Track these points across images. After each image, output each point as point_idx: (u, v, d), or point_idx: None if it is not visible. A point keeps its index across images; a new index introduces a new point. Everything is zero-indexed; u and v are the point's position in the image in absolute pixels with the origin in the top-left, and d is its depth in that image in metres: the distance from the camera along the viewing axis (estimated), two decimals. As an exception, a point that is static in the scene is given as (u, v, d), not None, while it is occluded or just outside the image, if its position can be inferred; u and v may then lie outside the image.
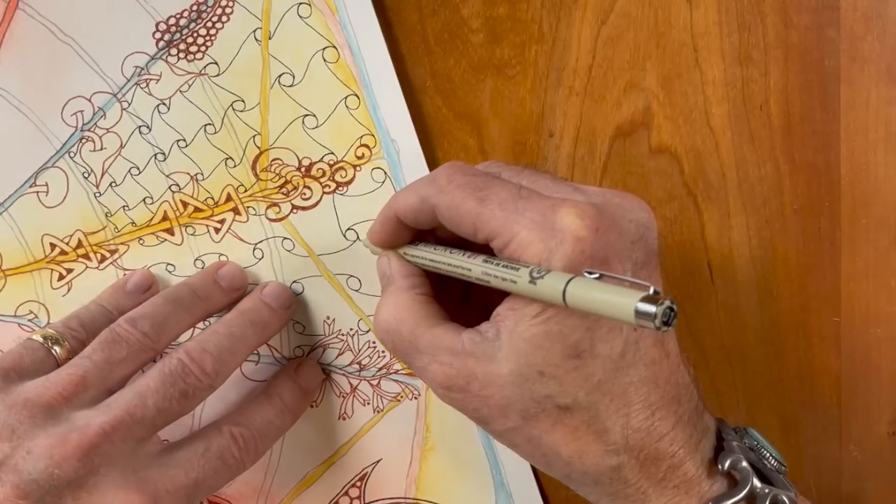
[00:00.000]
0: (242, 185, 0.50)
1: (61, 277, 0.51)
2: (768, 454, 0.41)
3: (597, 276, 0.34)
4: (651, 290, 0.31)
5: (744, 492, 0.39)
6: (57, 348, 0.45)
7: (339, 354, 0.50)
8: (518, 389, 0.37)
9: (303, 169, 0.50)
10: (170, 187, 0.50)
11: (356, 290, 0.50)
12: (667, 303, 0.31)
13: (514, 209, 0.37)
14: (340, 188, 0.49)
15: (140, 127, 0.50)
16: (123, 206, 0.51)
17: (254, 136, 0.50)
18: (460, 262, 0.39)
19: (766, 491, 0.39)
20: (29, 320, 0.52)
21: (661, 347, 0.38)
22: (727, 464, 0.39)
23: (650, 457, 0.38)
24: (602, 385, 0.37)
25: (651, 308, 0.31)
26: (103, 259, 0.51)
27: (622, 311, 0.31)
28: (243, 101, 0.50)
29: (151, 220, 0.51)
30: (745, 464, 0.39)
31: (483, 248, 0.39)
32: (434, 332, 0.39)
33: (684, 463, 0.39)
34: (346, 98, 0.49)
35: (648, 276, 0.38)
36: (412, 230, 0.43)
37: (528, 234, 0.36)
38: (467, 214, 0.38)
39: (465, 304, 0.45)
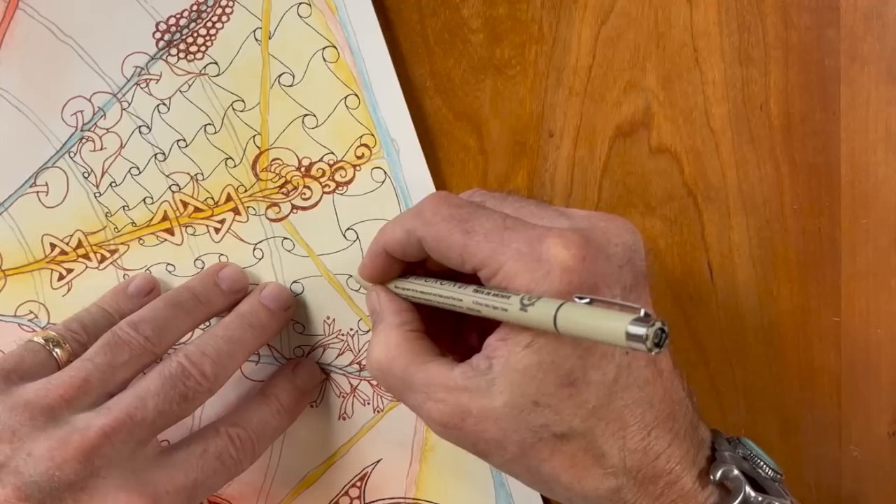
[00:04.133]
0: (242, 185, 0.50)
1: (61, 277, 0.51)
2: (762, 463, 0.41)
3: (587, 300, 0.34)
4: (642, 313, 0.31)
5: (737, 501, 0.39)
6: (58, 350, 0.45)
7: (340, 354, 0.50)
8: (514, 421, 0.37)
9: (303, 169, 0.50)
10: (170, 187, 0.50)
11: (356, 290, 0.50)
12: (658, 324, 0.31)
13: (499, 240, 0.37)
14: (340, 188, 0.49)
15: (140, 127, 0.50)
16: (123, 206, 0.51)
17: (254, 136, 0.50)
18: (451, 293, 0.39)
19: (760, 499, 0.39)
20: (29, 320, 0.52)
21: (653, 367, 0.38)
22: (718, 474, 0.39)
23: (648, 476, 0.38)
24: (597, 411, 0.37)
25: (642, 330, 0.30)
26: (103, 259, 0.51)
27: (613, 334, 0.31)
28: (243, 101, 0.50)
29: (151, 220, 0.51)
30: (736, 472, 0.39)
31: (473, 279, 0.39)
32: (427, 368, 0.39)
33: (681, 478, 0.39)
34: (346, 98, 0.49)
35: (637, 298, 0.38)
36: (402, 263, 0.43)
37: (514, 265, 0.36)
38: (454, 246, 0.38)
39: (458, 335, 0.45)
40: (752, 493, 0.39)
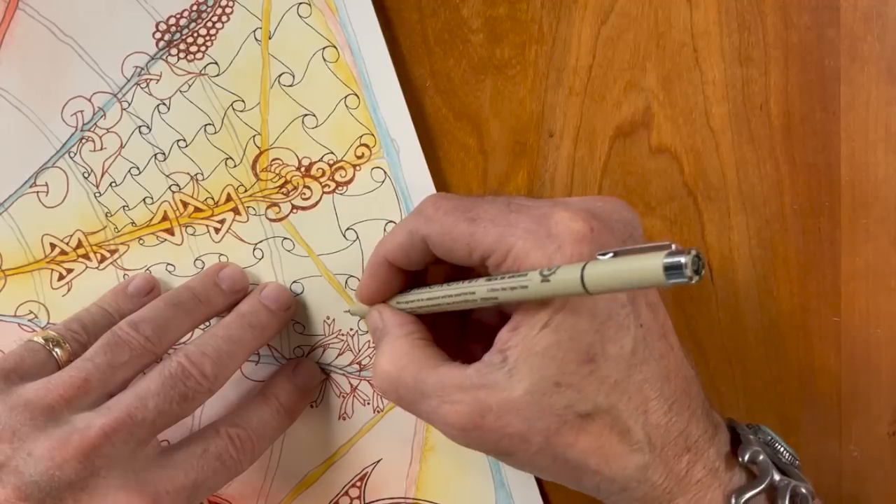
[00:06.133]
0: (242, 185, 0.50)
1: (61, 277, 0.51)
2: (782, 448, 0.41)
3: (610, 255, 0.34)
4: (673, 247, 0.31)
5: (764, 483, 0.39)
6: (58, 350, 0.45)
7: (340, 354, 0.50)
8: (536, 407, 0.36)
9: (303, 169, 0.50)
10: (170, 187, 0.50)
11: (356, 290, 0.50)
12: (693, 251, 0.30)
13: (506, 222, 0.37)
14: (340, 188, 0.49)
15: (140, 127, 0.50)
16: (123, 206, 0.51)
17: (254, 136, 0.50)
18: (461, 290, 0.39)
19: (786, 482, 0.39)
20: (29, 320, 0.52)
21: (665, 341, 0.39)
22: (747, 456, 0.40)
23: (671, 453, 0.38)
24: (619, 385, 0.37)
25: (680, 259, 0.30)
26: (103, 259, 0.51)
27: (651, 273, 0.30)
28: (243, 100, 0.50)
29: (151, 220, 0.51)
30: (763, 456, 0.39)
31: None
32: (439, 372, 0.38)
33: (703, 457, 0.39)
34: (345, 98, 0.49)
35: None
36: (402, 278, 0.43)
37: (524, 244, 0.36)
38: (460, 236, 0.38)
39: (460, 349, 0.45)
40: (778, 477, 0.39)
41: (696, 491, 0.39)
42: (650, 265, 0.30)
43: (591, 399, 0.37)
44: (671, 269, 0.30)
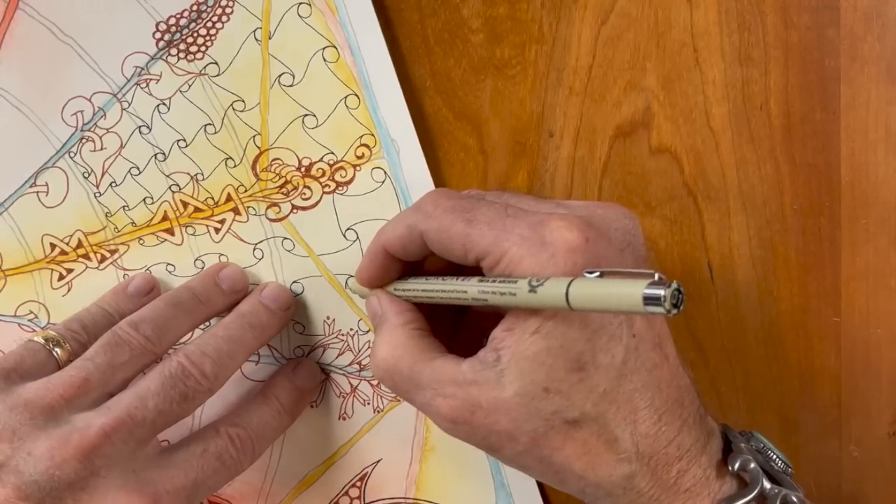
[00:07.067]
0: (242, 185, 0.50)
1: (61, 277, 0.51)
2: (774, 456, 0.41)
3: (598, 274, 0.34)
4: (656, 276, 0.31)
5: (754, 492, 0.39)
6: (58, 350, 0.45)
7: (340, 354, 0.50)
8: (525, 410, 0.37)
9: (303, 169, 0.50)
10: (170, 187, 0.50)
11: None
12: (674, 285, 0.30)
13: (502, 227, 0.37)
14: (340, 188, 0.49)
15: (140, 127, 0.50)
16: (123, 206, 0.51)
17: (254, 136, 0.50)
18: (454, 286, 0.39)
19: (776, 491, 0.39)
20: (29, 320, 0.52)
21: (660, 351, 0.39)
22: (737, 465, 0.40)
23: (660, 462, 0.38)
24: (608, 394, 0.37)
25: (660, 291, 0.30)
26: (103, 259, 0.51)
27: (630, 300, 0.31)
28: (243, 101, 0.50)
29: (151, 220, 0.51)
30: (754, 464, 0.39)
31: (474, 274, 0.39)
32: (434, 365, 0.39)
33: (693, 466, 0.39)
34: (346, 98, 0.49)
35: None
36: (400, 265, 0.43)
37: (518, 250, 0.36)
38: (456, 236, 0.38)
39: (455, 336, 0.45)
40: (769, 486, 0.39)
41: (685, 499, 0.39)
42: (630, 293, 0.31)
43: (579, 407, 0.37)
44: (650, 300, 0.30)
